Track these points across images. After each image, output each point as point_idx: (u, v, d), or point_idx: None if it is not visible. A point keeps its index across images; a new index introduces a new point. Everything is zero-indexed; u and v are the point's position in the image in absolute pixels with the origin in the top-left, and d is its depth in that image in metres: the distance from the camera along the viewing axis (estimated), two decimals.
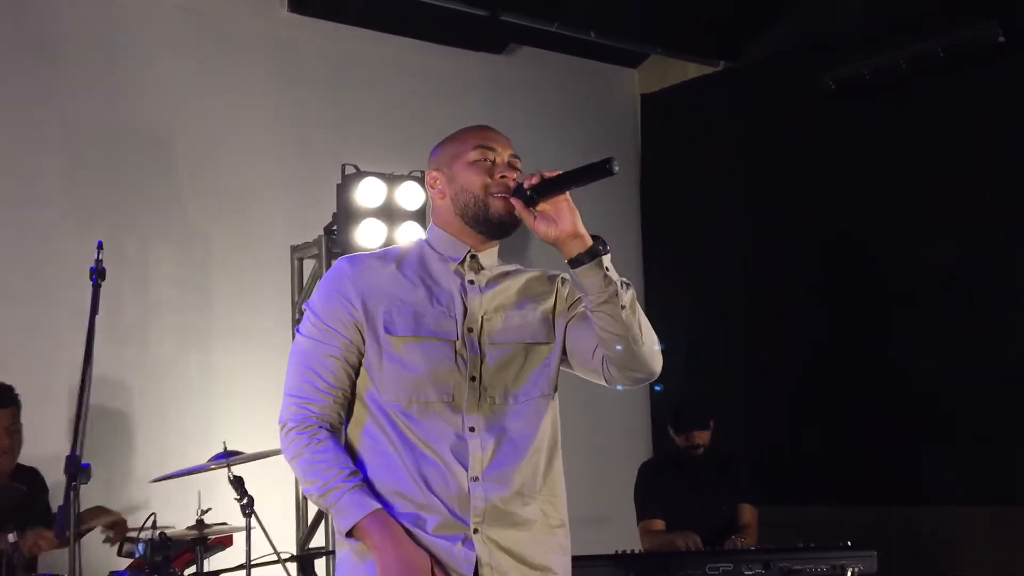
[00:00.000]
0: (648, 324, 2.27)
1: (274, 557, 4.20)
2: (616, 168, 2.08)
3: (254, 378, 5.20)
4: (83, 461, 3.10)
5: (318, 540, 5.09)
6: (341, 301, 2.28)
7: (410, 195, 5.04)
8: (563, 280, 2.45)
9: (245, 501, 3.90)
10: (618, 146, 7.01)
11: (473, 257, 2.33)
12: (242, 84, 5.66)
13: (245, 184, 5.56)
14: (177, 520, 4.20)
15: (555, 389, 2.36)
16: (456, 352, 2.25)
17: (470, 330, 2.28)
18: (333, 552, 4.74)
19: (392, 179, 4.98)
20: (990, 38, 5.34)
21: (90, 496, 4.67)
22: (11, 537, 3.39)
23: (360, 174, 4.89)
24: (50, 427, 4.55)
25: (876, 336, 5.96)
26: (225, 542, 4.38)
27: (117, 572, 3.61)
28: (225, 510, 4.25)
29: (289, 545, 4.91)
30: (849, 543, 4.34)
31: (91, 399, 4.86)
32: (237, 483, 3.97)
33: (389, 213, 4.91)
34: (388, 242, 4.88)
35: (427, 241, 2.43)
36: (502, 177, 2.30)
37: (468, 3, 5.86)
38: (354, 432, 2.29)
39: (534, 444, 2.28)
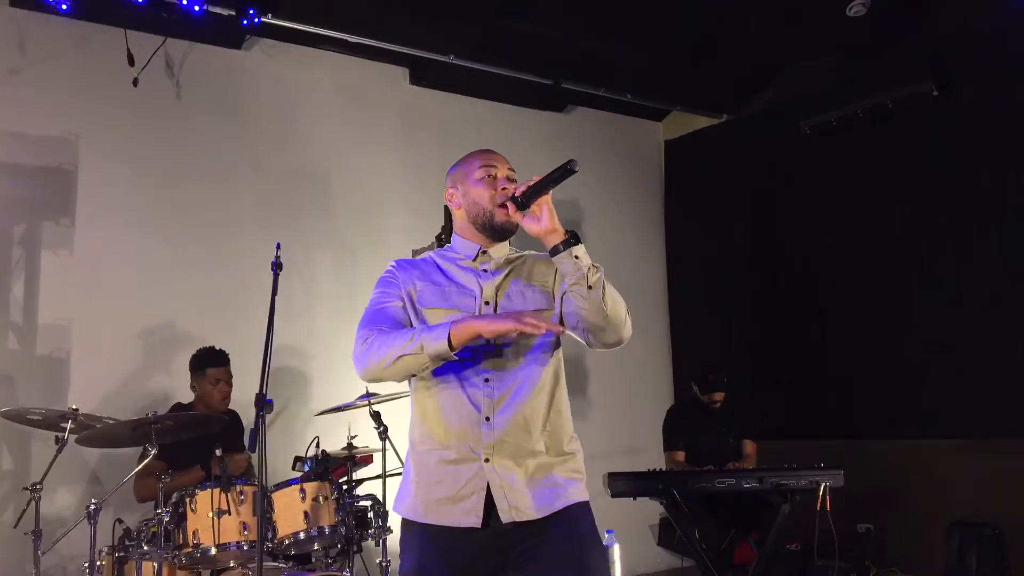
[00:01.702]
0: (616, 301, 2.14)
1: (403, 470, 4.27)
2: (576, 168, 2.02)
3: None
4: (267, 398, 3.14)
5: None
6: (393, 283, 2.28)
7: None
8: None
9: (381, 429, 3.95)
10: (647, 181, 7.01)
11: (484, 252, 2.26)
12: (378, 136, 5.74)
13: (380, 208, 5.64)
14: (334, 445, 4.27)
15: (557, 346, 2.27)
16: None
17: (487, 303, 2.21)
18: None
19: None
20: (926, 92, 5.26)
21: (276, 426, 4.85)
22: (218, 452, 3.46)
23: None
24: (247, 379, 4.67)
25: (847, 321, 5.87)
26: (367, 460, 4.45)
27: (293, 479, 3.61)
28: (369, 438, 4.33)
29: None
30: (822, 464, 4.28)
31: (272, 360, 5.05)
32: (375, 416, 4.04)
33: None
34: None
35: (452, 245, 2.36)
36: (503, 189, 2.23)
37: (538, 75, 5.90)
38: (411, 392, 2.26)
39: (535, 388, 2.18)
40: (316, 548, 3.70)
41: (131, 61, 4.64)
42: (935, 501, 5.23)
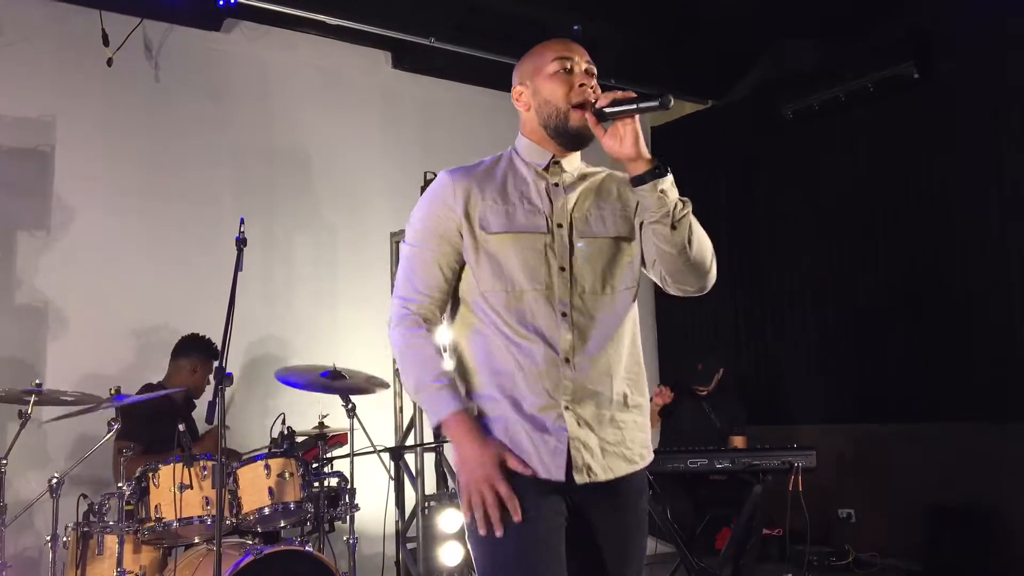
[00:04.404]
0: (703, 243, 1.88)
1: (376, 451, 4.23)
2: (670, 103, 1.74)
3: (364, 327, 5.25)
4: (227, 371, 3.12)
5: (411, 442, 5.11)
6: (442, 208, 1.91)
7: None
8: None
9: (350, 407, 3.92)
10: None
11: (556, 163, 1.94)
12: (358, 118, 5.71)
13: (360, 189, 5.62)
14: (306, 424, 4.25)
15: (638, 285, 1.97)
16: (547, 246, 1.87)
17: (559, 225, 1.90)
18: (423, 446, 4.74)
19: None
20: (908, 75, 5.21)
21: (252, 406, 4.83)
22: (181, 427, 3.44)
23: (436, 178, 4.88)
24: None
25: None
26: (341, 440, 4.39)
27: (258, 455, 3.59)
28: (339, 416, 4.27)
29: (390, 442, 4.92)
30: (795, 445, 4.25)
31: (251, 341, 5.04)
32: (343, 393, 3.99)
33: None
34: None
35: (515, 150, 2.02)
36: (581, 86, 1.89)
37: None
38: (461, 332, 1.94)
39: (618, 331, 1.91)
40: (283, 525, 3.68)
41: (106, 41, 4.62)
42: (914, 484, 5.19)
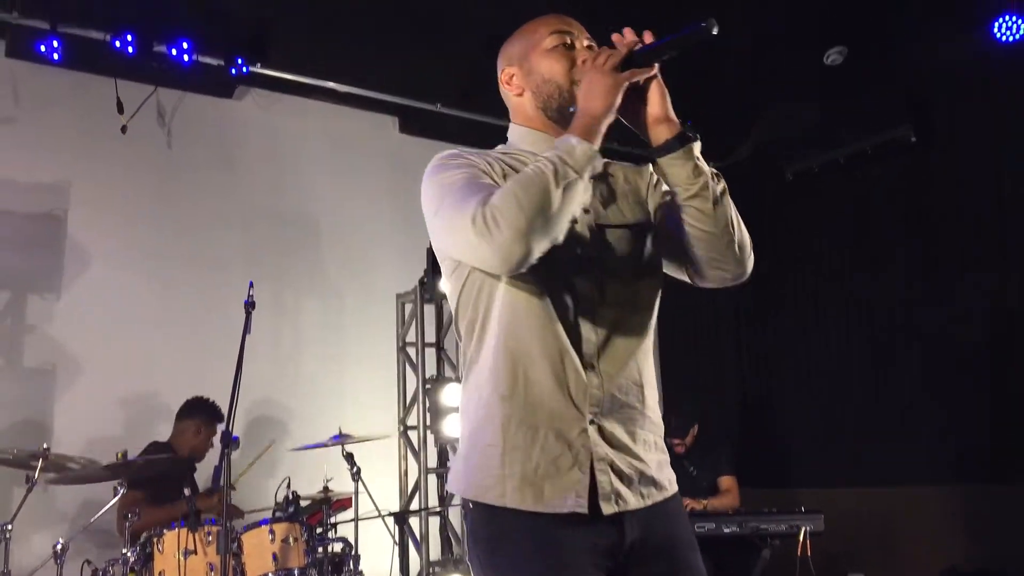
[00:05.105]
0: (740, 220, 1.63)
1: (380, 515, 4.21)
2: (715, 27, 1.44)
3: (371, 389, 5.26)
4: (234, 435, 3.13)
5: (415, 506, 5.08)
6: (471, 163, 1.61)
7: None
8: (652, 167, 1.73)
9: (355, 470, 3.91)
10: None
11: None
12: (366, 183, 5.78)
13: (367, 253, 5.66)
14: (311, 488, 4.23)
15: (662, 280, 1.73)
16: (569, 238, 1.53)
17: (585, 211, 1.62)
18: (427, 510, 4.70)
19: None
20: (905, 139, 5.28)
21: (258, 468, 4.78)
22: (187, 491, 3.44)
23: None
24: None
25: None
26: (346, 504, 4.38)
27: (263, 519, 3.57)
28: (345, 480, 4.26)
29: (394, 506, 4.89)
30: (802, 508, 4.21)
31: (257, 403, 5.03)
32: (348, 458, 3.99)
33: None
34: None
35: (511, 142, 1.75)
36: (583, 61, 1.62)
37: None
38: (481, 332, 1.61)
39: (645, 334, 1.66)
40: None
41: (120, 109, 4.73)
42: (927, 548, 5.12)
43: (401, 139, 5.98)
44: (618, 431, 1.57)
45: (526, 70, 1.70)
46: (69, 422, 4.54)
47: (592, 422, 1.54)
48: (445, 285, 1.70)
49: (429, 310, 5.22)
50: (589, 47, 1.69)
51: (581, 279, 1.59)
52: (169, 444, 4.26)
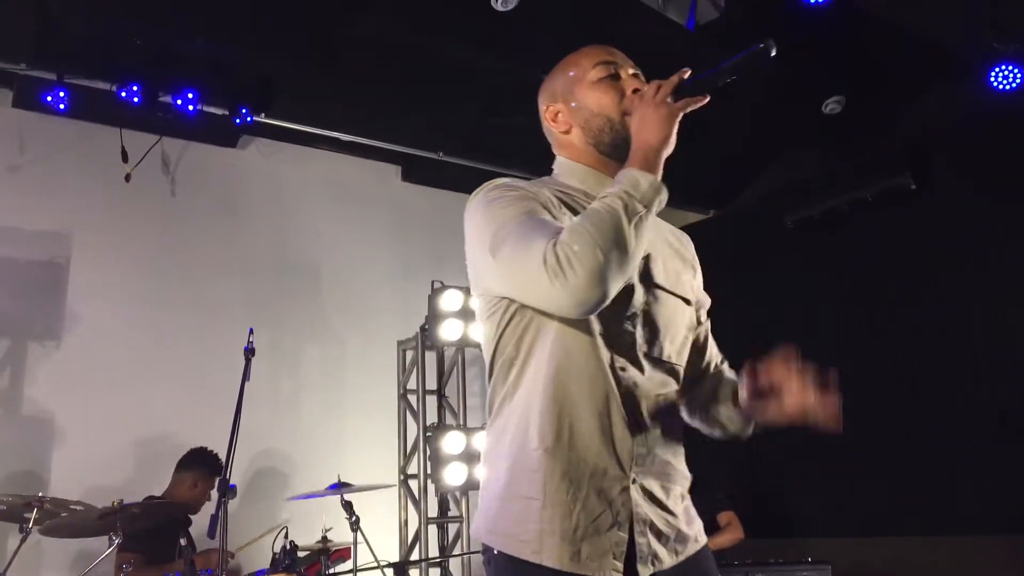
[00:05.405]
0: None
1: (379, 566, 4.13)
2: (774, 51, 1.40)
3: (371, 437, 5.22)
4: (231, 483, 3.09)
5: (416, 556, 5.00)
6: (527, 196, 1.52)
7: None
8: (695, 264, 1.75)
9: (353, 519, 3.85)
10: None
11: None
12: (368, 230, 5.82)
13: (369, 300, 5.67)
14: (310, 538, 4.16)
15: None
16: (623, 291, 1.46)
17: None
18: (427, 561, 4.62)
19: (467, 291, 4.91)
20: (905, 186, 5.30)
21: (257, 518, 4.71)
22: (183, 541, 3.38)
23: (444, 287, 4.92)
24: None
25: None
26: (344, 555, 4.31)
27: (259, 571, 3.51)
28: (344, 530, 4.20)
29: (394, 557, 4.81)
30: (809, 559, 4.14)
31: (257, 452, 4.98)
32: (347, 507, 3.94)
33: (465, 314, 4.86)
34: (464, 337, 4.85)
35: (558, 176, 1.68)
36: (634, 91, 1.58)
37: (526, 171, 5.94)
38: (526, 370, 1.52)
39: (681, 389, 1.63)
40: None
41: (125, 158, 4.77)
42: None
43: (403, 187, 6.04)
44: (655, 488, 1.52)
45: (572, 105, 1.65)
46: (66, 472, 4.50)
47: (634, 480, 1.49)
48: (481, 320, 1.62)
49: (430, 357, 5.19)
50: (635, 75, 1.65)
51: (632, 330, 1.53)
52: (164, 497, 4.19)
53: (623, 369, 1.50)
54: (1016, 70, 4.61)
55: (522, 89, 5.18)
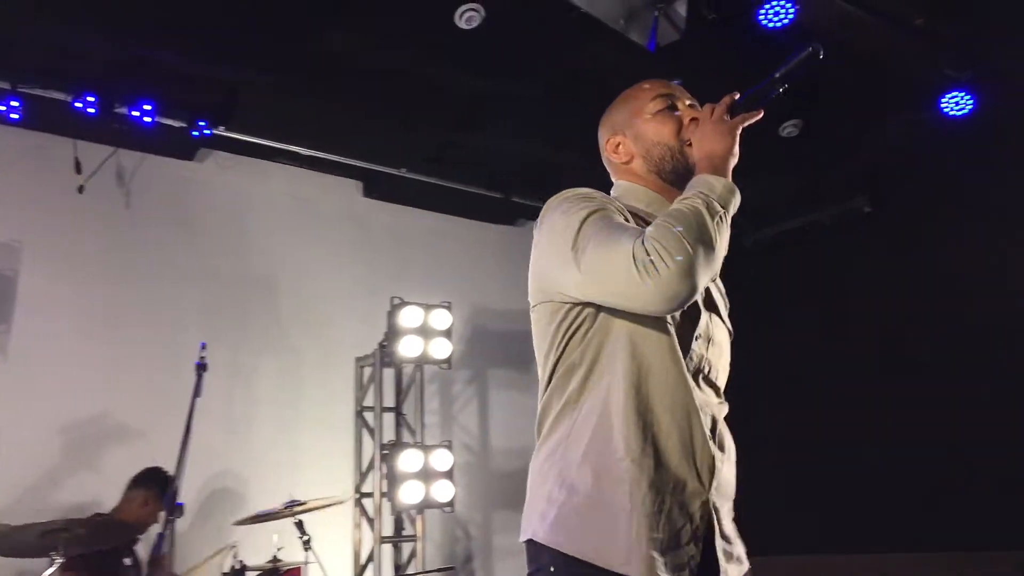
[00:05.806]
0: None
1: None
2: (821, 53, 1.47)
3: (326, 454, 5.14)
4: (178, 501, 3.03)
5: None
6: (604, 203, 1.56)
7: (440, 319, 4.94)
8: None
9: (306, 539, 3.79)
10: None
11: None
12: (328, 245, 5.75)
13: (326, 314, 5.58)
14: (262, 557, 4.09)
15: None
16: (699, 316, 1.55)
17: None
18: None
19: (427, 307, 4.94)
20: (861, 209, 5.39)
21: (207, 538, 4.61)
22: (127, 561, 3.30)
23: (404, 304, 4.89)
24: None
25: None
26: (296, 575, 4.24)
27: None
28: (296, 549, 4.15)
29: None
30: None
31: (207, 467, 4.89)
32: (299, 526, 3.88)
33: (424, 331, 4.86)
34: (424, 354, 4.81)
35: (621, 198, 1.68)
36: (692, 120, 1.66)
37: (488, 188, 5.96)
38: (613, 366, 1.51)
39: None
40: None
41: (78, 169, 4.68)
42: None
43: (365, 203, 5.99)
44: (722, 505, 1.54)
45: (633, 136, 1.71)
46: (10, 487, 4.37)
47: (711, 495, 1.50)
48: (540, 328, 1.60)
49: (388, 374, 5.14)
50: (691, 106, 1.71)
51: (698, 351, 1.56)
52: (111, 516, 4.09)
53: (698, 384, 1.54)
54: (968, 97, 4.72)
55: (485, 106, 5.22)
